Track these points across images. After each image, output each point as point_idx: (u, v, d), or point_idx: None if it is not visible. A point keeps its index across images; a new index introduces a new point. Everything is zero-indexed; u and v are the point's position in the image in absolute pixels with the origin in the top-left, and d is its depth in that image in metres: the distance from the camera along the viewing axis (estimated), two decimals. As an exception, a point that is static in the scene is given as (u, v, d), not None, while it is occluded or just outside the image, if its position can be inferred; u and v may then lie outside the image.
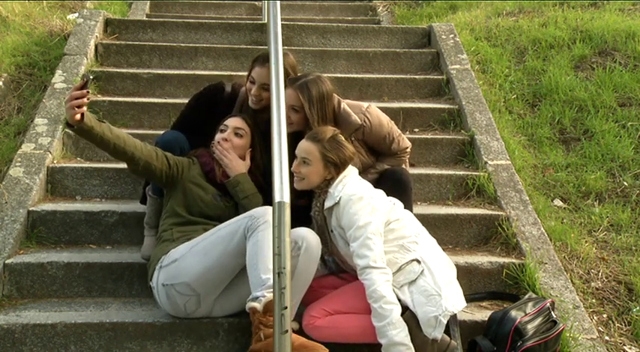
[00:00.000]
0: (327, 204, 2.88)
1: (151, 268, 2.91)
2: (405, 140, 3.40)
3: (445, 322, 2.67)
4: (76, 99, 2.62)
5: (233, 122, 3.18)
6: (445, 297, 2.69)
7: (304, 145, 2.92)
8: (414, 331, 2.65)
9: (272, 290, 2.43)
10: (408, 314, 2.68)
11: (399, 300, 2.69)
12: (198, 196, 3.03)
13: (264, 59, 3.15)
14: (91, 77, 2.68)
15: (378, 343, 2.65)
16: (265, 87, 3.15)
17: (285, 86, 3.03)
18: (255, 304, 2.61)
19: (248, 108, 3.30)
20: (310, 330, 2.80)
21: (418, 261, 2.79)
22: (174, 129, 3.34)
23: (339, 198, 2.83)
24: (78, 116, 2.67)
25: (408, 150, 3.42)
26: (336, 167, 2.90)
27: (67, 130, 4.09)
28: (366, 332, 2.70)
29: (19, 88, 4.56)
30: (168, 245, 2.91)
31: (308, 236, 2.77)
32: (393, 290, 2.70)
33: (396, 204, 2.96)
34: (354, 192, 2.82)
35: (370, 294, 2.65)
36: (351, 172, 2.96)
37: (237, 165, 3.11)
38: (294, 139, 2.94)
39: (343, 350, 2.86)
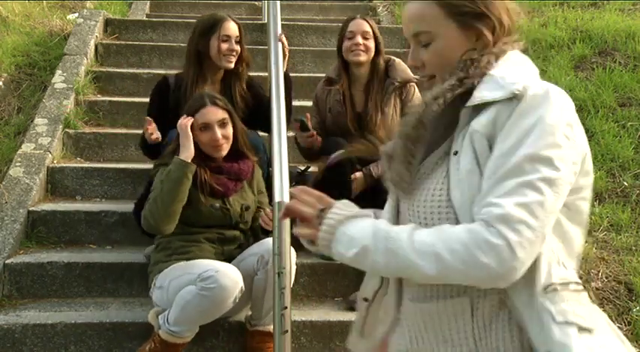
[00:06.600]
0: (488, 94, 1.32)
1: (150, 279, 2.84)
2: None
3: None
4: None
5: (210, 115, 2.79)
6: None
7: (411, 8, 1.42)
8: None
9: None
10: None
11: None
12: (196, 213, 2.79)
13: (228, 16, 3.27)
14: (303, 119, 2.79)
15: None
16: (237, 40, 3.24)
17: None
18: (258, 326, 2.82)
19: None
20: None
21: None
22: None
23: (521, 89, 1.29)
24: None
25: None
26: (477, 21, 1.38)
27: (67, 130, 4.09)
28: None
29: (19, 88, 4.56)
30: (164, 258, 2.81)
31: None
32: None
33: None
34: (553, 89, 1.31)
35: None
36: (520, 53, 1.43)
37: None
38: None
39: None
